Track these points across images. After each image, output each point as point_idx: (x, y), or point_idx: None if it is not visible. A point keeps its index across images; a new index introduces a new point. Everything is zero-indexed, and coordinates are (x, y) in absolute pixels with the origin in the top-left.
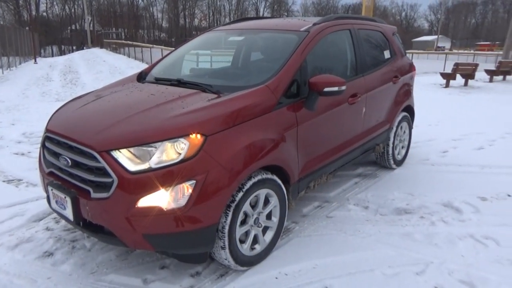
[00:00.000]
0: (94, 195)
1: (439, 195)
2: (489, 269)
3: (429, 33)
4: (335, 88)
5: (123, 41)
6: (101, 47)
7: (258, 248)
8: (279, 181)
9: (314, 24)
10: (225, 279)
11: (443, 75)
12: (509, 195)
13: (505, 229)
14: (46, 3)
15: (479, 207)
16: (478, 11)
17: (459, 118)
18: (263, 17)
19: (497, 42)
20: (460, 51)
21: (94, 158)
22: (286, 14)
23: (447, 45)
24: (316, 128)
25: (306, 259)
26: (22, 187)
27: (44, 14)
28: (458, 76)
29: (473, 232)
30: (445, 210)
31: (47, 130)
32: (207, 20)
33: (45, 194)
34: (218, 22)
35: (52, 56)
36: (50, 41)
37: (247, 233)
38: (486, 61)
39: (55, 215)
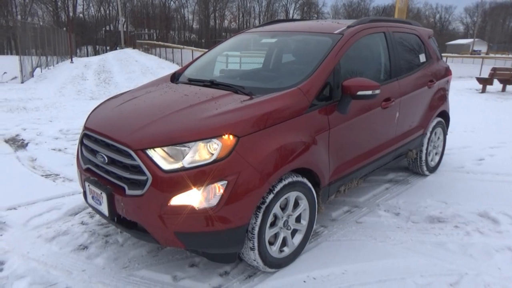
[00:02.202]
0: (128, 192)
1: (475, 204)
2: None
3: (465, 36)
4: (369, 92)
5: (155, 42)
6: (134, 47)
7: (287, 250)
8: (309, 184)
9: (348, 27)
10: (253, 280)
11: (479, 80)
12: None
13: None
14: (83, 5)
15: None
16: None
17: (496, 125)
18: (296, 19)
19: None
20: (497, 55)
21: (129, 156)
22: (316, 16)
23: (484, 48)
24: (348, 132)
25: (335, 264)
26: (59, 182)
27: (81, 15)
28: (496, 81)
29: (511, 244)
30: (481, 220)
31: (85, 128)
32: (237, 21)
33: (81, 190)
34: (248, 24)
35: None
36: (85, 41)
37: (276, 235)
38: None
39: (89, 209)
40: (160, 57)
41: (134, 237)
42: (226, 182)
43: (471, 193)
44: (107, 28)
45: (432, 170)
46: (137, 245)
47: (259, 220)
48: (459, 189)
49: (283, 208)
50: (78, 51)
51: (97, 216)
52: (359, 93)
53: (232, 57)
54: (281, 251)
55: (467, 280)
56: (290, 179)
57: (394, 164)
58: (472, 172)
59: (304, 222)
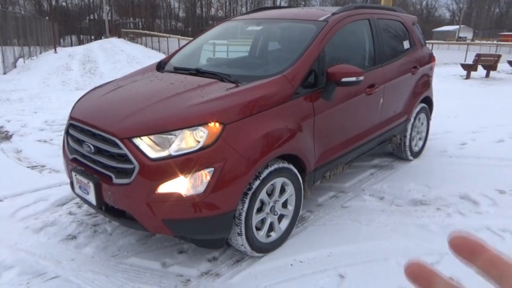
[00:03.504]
0: (116, 180)
1: (456, 187)
2: None
3: (451, 23)
4: (353, 79)
5: (141, 31)
6: (119, 36)
7: (274, 235)
8: (295, 170)
9: (333, 14)
10: (241, 265)
11: (464, 66)
12: None
13: None
14: None
15: (497, 200)
16: (503, 0)
17: (479, 110)
18: (281, 7)
19: None
20: (482, 42)
21: (116, 145)
22: (303, 3)
23: (469, 35)
24: (333, 118)
25: (321, 247)
26: (46, 173)
27: (63, 4)
28: (480, 68)
29: (490, 224)
30: (462, 202)
31: (71, 117)
32: (224, 9)
33: (68, 180)
34: (235, 12)
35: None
36: (69, 31)
37: (263, 221)
38: (510, 52)
39: (77, 200)
40: (146, 47)
41: (122, 226)
42: (213, 169)
43: (453, 177)
44: (91, 17)
45: (416, 155)
46: (126, 233)
47: (246, 206)
48: (442, 173)
49: (270, 194)
50: (61, 41)
51: (85, 206)
52: (344, 79)
53: (219, 45)
54: (268, 236)
55: (447, 259)
56: (276, 166)
57: (378, 149)
58: (455, 156)
59: (291, 207)
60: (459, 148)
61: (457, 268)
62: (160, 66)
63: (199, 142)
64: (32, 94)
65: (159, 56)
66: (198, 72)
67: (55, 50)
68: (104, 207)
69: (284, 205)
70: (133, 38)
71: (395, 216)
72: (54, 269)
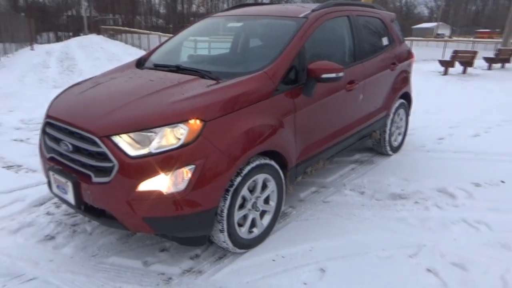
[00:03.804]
0: (95, 179)
1: (434, 181)
2: (480, 252)
3: (429, 20)
4: (333, 75)
5: (120, 28)
6: (98, 33)
7: (256, 231)
8: (277, 166)
9: (313, 11)
10: (223, 261)
11: (442, 62)
12: (502, 181)
13: (497, 214)
14: None
15: (473, 193)
16: None
17: (456, 106)
18: (262, 3)
19: (497, 30)
20: (459, 39)
21: (94, 143)
22: (285, 0)
23: (447, 32)
24: (314, 114)
25: (302, 242)
26: (22, 173)
27: None
28: (457, 64)
29: (465, 216)
30: (440, 195)
31: (47, 116)
32: (205, 5)
33: (45, 180)
34: (216, 8)
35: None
36: (46, 27)
37: (245, 217)
38: (485, 48)
39: (55, 200)
40: (127, 43)
41: (102, 225)
42: (194, 166)
43: (431, 171)
44: (69, 13)
45: (395, 150)
46: (106, 233)
47: (227, 202)
48: (420, 167)
49: (252, 190)
50: (38, 37)
51: (64, 206)
52: (324, 76)
53: (201, 42)
54: (250, 232)
55: (425, 251)
56: (257, 162)
57: (359, 145)
58: (433, 151)
59: (273, 203)
60: (437, 143)
61: (435, 260)
62: (140, 63)
63: (179, 139)
64: (7, 93)
65: (140, 53)
66: (178, 69)
67: (32, 47)
68: (83, 206)
69: (266, 201)
70: (113, 35)
71: (375, 210)
72: (31, 270)
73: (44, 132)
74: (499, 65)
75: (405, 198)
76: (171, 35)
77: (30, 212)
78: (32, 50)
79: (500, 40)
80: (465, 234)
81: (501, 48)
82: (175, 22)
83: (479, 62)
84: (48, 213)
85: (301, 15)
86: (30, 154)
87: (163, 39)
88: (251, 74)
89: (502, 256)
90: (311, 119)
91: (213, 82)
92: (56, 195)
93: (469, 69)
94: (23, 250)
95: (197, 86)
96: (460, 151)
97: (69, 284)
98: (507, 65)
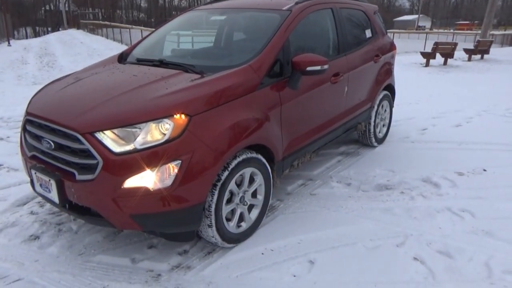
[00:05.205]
0: (79, 177)
1: (419, 171)
2: (465, 239)
3: (410, 12)
4: (318, 67)
5: (101, 22)
6: (78, 28)
7: (244, 225)
8: (264, 160)
9: (296, 3)
10: (212, 256)
11: (423, 54)
12: (484, 170)
13: (480, 202)
14: None
15: (456, 182)
16: None
17: (438, 97)
18: None
19: (476, 22)
20: (440, 31)
21: (77, 140)
22: None
23: (428, 24)
24: (300, 107)
25: (291, 235)
26: (3, 172)
27: None
28: (438, 55)
29: (450, 205)
30: (424, 185)
31: (27, 113)
32: None
33: (28, 178)
34: (199, 2)
35: (27, 38)
36: (23, 22)
37: (233, 211)
38: (465, 40)
39: (39, 199)
40: (108, 38)
41: (88, 223)
42: (180, 161)
43: (415, 161)
44: (47, 8)
45: (380, 141)
46: (93, 231)
47: (215, 197)
48: (405, 158)
49: (239, 185)
50: (15, 33)
51: (48, 205)
52: (309, 68)
53: (184, 36)
54: (238, 226)
55: (412, 240)
56: (244, 156)
57: (345, 137)
58: (417, 141)
59: (260, 197)
60: (421, 133)
61: (421, 249)
62: (122, 58)
63: (165, 134)
64: None
65: (122, 48)
66: (162, 63)
67: (9, 43)
68: (68, 205)
69: (254, 195)
70: (93, 29)
71: (361, 201)
72: (16, 271)
73: (24, 129)
74: (478, 56)
75: (391, 188)
76: (153, 29)
77: (13, 212)
78: (9, 45)
79: (479, 31)
80: (449, 223)
81: (480, 39)
82: (157, 16)
83: (459, 53)
84: (32, 213)
85: (285, 8)
86: (11, 153)
87: (145, 33)
88: (236, 67)
89: (486, 243)
90: (297, 112)
91: (197, 76)
92: (40, 194)
93: (449, 61)
94: (7, 251)
95: (182, 81)
96: (443, 141)
97: (56, 284)
98: (486, 56)
